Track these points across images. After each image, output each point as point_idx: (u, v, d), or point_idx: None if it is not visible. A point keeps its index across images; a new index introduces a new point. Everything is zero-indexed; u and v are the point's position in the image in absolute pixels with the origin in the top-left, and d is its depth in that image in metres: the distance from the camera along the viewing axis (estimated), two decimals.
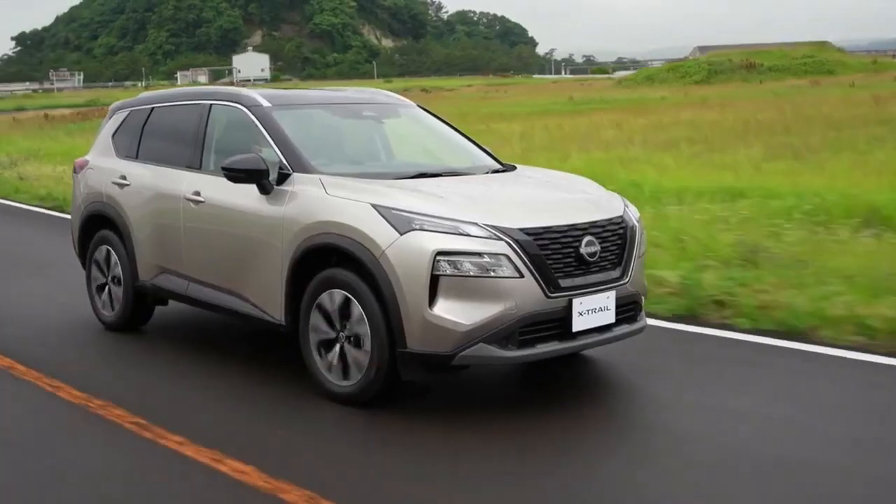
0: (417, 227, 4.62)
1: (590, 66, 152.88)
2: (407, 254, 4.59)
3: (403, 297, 4.58)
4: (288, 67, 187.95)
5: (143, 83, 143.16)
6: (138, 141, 6.64)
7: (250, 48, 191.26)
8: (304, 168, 5.27)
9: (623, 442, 4.52)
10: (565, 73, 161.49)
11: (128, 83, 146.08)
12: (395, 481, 4.03)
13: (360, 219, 4.77)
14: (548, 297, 4.65)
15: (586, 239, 4.81)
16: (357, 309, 4.78)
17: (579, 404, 4.98)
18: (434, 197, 4.87)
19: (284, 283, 5.16)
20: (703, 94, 39.17)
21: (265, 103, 5.73)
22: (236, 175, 5.31)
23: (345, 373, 4.90)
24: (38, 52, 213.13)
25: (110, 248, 6.64)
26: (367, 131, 6.30)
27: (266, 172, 5.27)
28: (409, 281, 4.57)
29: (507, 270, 4.57)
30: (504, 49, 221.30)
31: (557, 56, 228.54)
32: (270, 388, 5.28)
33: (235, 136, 5.88)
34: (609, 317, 4.92)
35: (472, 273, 4.54)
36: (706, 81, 56.21)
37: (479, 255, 4.55)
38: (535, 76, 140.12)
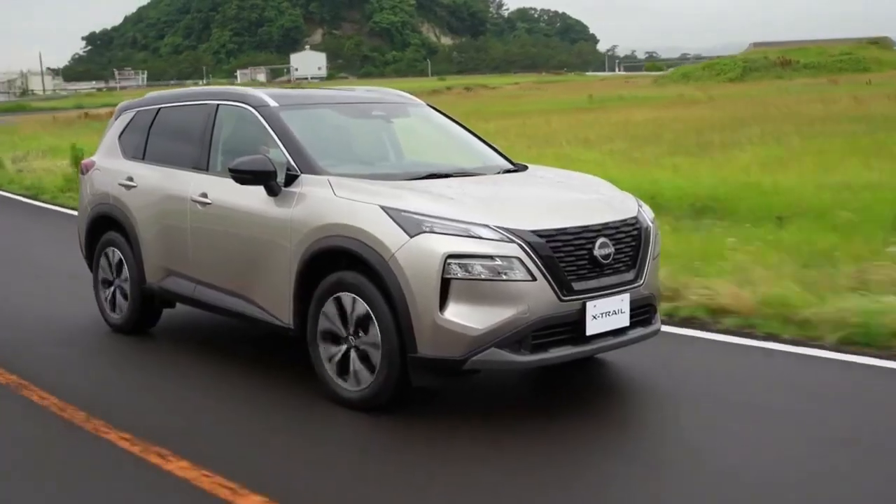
0: (427, 229, 4.53)
1: (644, 63, 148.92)
2: (417, 257, 4.50)
3: (414, 301, 4.49)
4: (347, 65, 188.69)
5: (203, 81, 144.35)
6: (145, 142, 6.57)
7: (308, 47, 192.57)
8: (313, 169, 5.18)
9: (638, 450, 4.41)
10: (619, 70, 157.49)
11: (189, 82, 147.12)
12: (397, 489, 3.94)
13: (368, 221, 4.68)
14: (561, 300, 4.55)
15: (600, 241, 4.72)
16: (367, 313, 4.69)
17: (593, 409, 4.89)
18: (444, 198, 4.78)
19: (292, 287, 5.08)
20: (718, 92, 38.89)
21: (272, 103, 5.65)
22: (244, 177, 5.23)
23: (354, 377, 4.82)
24: (108, 52, 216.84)
25: (117, 251, 6.57)
26: (376, 131, 6.20)
27: (274, 174, 5.18)
28: (419, 285, 4.48)
29: (520, 273, 4.47)
30: (564, 46, 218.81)
31: (620, 52, 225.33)
32: (274, 392, 5.20)
33: (243, 136, 5.80)
34: (623, 320, 4.83)
35: (483, 276, 4.45)
36: (740, 79, 55.24)
37: (491, 257, 4.45)
38: (588, 73, 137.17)
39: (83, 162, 7.25)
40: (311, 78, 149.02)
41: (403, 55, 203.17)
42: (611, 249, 4.75)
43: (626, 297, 4.81)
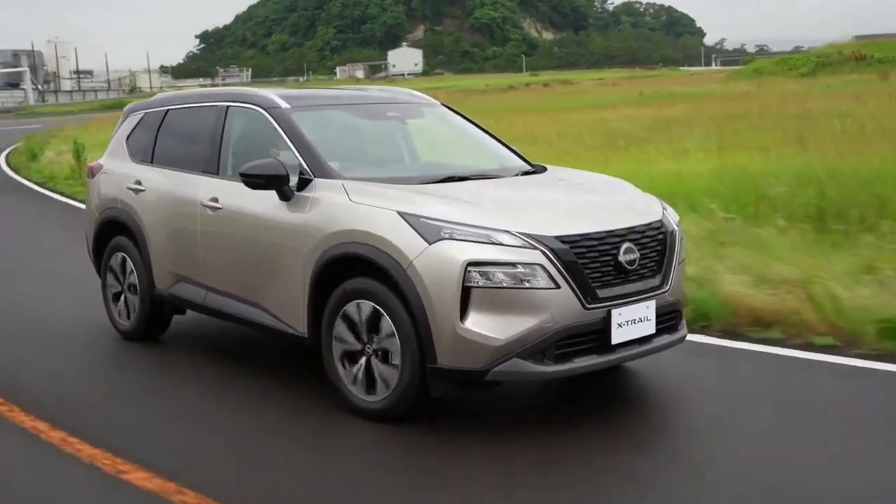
0: (447, 235, 4.37)
1: (743, 58, 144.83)
2: (436, 265, 4.34)
3: (433, 310, 4.34)
4: (447, 61, 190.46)
5: (304, 78, 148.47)
6: (153, 144, 6.42)
7: (404, 44, 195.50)
8: (326, 173, 5.02)
9: (669, 466, 4.26)
10: (715, 65, 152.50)
11: (290, 78, 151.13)
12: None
13: (385, 227, 4.53)
14: (585, 308, 4.39)
15: (625, 246, 4.55)
16: (385, 321, 4.54)
17: (617, 422, 4.72)
18: (463, 203, 4.62)
19: (307, 294, 4.93)
20: (774, 88, 38.05)
21: (283, 105, 5.49)
22: (255, 181, 5.08)
23: (371, 387, 4.67)
24: (219, 50, 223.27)
25: (126, 256, 6.43)
26: (390, 133, 6.04)
27: (286, 178, 5.03)
28: (438, 293, 4.32)
29: (543, 281, 4.31)
30: (668, 41, 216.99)
31: (728, 46, 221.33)
32: (289, 403, 5.06)
33: (254, 139, 5.66)
34: (649, 327, 4.67)
35: (505, 284, 4.29)
36: (811, 75, 53.26)
37: (513, 265, 4.30)
38: (682, 68, 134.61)
39: (90, 165, 7.11)
40: (408, 74, 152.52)
41: (503, 51, 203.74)
42: (636, 255, 4.59)
43: (651, 304, 4.65)
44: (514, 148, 6.04)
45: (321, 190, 4.95)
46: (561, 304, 4.34)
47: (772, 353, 5.70)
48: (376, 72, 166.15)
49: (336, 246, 4.75)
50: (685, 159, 12.99)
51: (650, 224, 4.77)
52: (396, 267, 4.45)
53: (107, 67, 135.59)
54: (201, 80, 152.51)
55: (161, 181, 6.13)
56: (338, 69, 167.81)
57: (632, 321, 4.56)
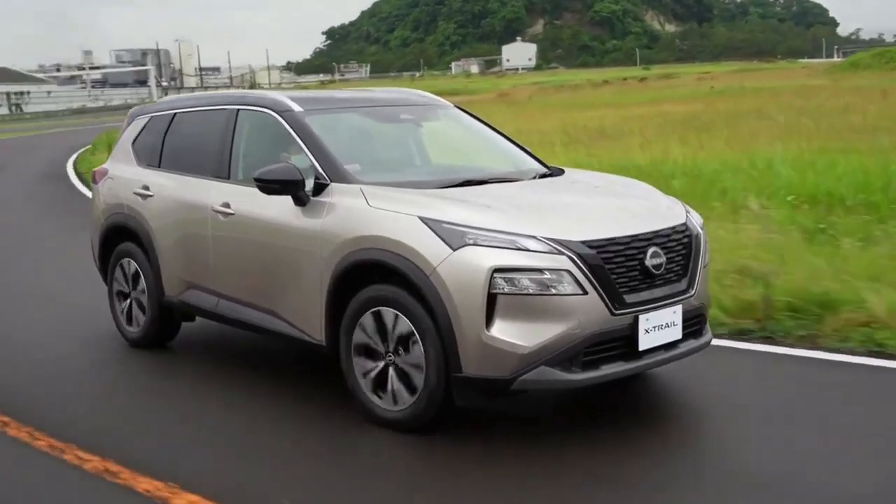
0: (471, 241, 4.27)
1: (878, 47, 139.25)
2: (461, 271, 4.24)
3: (458, 317, 4.24)
4: (565, 55, 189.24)
5: (419, 74, 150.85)
6: (160, 149, 6.31)
7: (518, 39, 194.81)
8: (343, 178, 4.92)
9: (692, 477, 4.18)
10: (837, 56, 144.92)
11: (406, 74, 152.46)
12: None
13: (407, 233, 4.42)
14: (613, 314, 4.30)
15: (651, 250, 4.47)
16: (408, 329, 4.44)
17: (640, 431, 4.64)
18: (486, 207, 4.52)
19: (324, 301, 4.83)
20: (850, 83, 38.07)
21: (297, 108, 5.38)
22: (270, 186, 4.97)
23: (393, 397, 4.57)
24: (344, 46, 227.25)
25: (133, 262, 6.31)
26: (405, 136, 5.93)
27: (302, 183, 4.93)
28: (463, 300, 4.23)
29: (570, 287, 4.22)
30: (798, 31, 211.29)
31: (865, 35, 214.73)
32: (306, 413, 4.96)
33: (266, 143, 5.55)
34: (676, 333, 4.58)
35: (531, 291, 4.19)
36: None
37: (540, 271, 4.20)
38: (801, 61, 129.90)
39: (94, 170, 6.98)
40: (521, 69, 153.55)
41: (623, 44, 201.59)
42: (662, 259, 4.50)
43: (678, 309, 4.56)
44: (528, 150, 5.95)
45: (338, 195, 4.85)
46: (588, 310, 4.25)
47: None
48: (491, 66, 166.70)
49: (355, 252, 4.64)
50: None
51: (675, 227, 4.69)
52: (419, 273, 4.35)
53: (229, 64, 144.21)
54: (321, 75, 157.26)
55: (169, 186, 6.02)
56: (452, 64, 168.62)
57: (659, 326, 4.48)
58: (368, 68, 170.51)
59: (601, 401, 4.99)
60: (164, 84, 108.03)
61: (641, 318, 4.39)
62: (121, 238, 6.46)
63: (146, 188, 6.18)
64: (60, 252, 10.55)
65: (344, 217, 4.75)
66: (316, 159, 5.03)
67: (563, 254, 4.24)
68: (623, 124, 21.95)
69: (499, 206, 4.57)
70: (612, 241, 4.37)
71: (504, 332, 4.20)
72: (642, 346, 4.42)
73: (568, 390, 4.81)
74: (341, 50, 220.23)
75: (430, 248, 4.33)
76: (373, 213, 4.63)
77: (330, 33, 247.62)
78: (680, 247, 4.67)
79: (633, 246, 4.44)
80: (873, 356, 5.55)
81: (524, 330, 4.20)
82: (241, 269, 5.43)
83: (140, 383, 5.75)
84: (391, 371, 4.57)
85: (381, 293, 4.57)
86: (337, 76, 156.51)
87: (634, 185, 5.35)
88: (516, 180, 5.28)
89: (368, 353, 4.65)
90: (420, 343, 4.40)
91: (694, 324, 4.76)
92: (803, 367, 5.50)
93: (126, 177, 6.45)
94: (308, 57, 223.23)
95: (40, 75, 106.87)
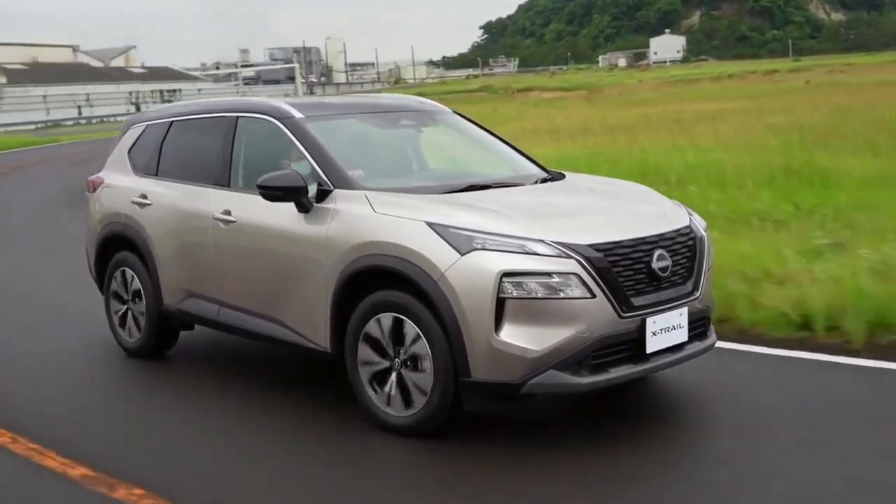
0: (479, 246, 4.28)
1: None
2: (469, 276, 4.25)
3: (466, 322, 4.24)
4: (722, 46, 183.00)
5: (566, 67, 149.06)
6: (158, 157, 6.27)
7: (667, 31, 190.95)
8: (347, 184, 4.91)
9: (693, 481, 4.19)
10: None
11: (553, 68, 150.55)
12: None
13: (415, 239, 4.42)
14: (620, 317, 4.32)
15: (657, 253, 4.49)
16: (415, 335, 4.43)
17: (643, 436, 4.65)
18: (492, 212, 4.53)
19: (329, 308, 4.81)
20: None
21: (298, 114, 5.38)
22: (273, 193, 4.95)
23: (402, 403, 4.56)
24: (500, 39, 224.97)
25: (131, 271, 6.27)
26: (406, 141, 5.93)
27: (305, 189, 4.92)
28: (472, 305, 4.23)
29: (578, 290, 4.23)
30: None
31: None
32: (311, 420, 4.94)
33: (267, 150, 5.53)
34: (682, 335, 4.60)
35: (540, 294, 4.20)
36: None
37: (548, 274, 4.21)
38: None
39: (90, 179, 6.93)
40: (669, 62, 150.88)
41: (783, 34, 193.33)
42: (668, 262, 4.52)
43: (684, 311, 4.59)
44: (529, 155, 5.96)
45: (343, 201, 4.84)
46: (597, 313, 4.26)
47: None
48: (640, 59, 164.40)
49: (361, 258, 4.64)
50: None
51: (679, 230, 4.71)
52: (427, 279, 4.35)
53: (376, 60, 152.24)
54: (470, 70, 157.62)
55: (168, 194, 5.99)
56: (600, 58, 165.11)
57: (666, 329, 4.50)
58: (516, 62, 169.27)
59: (605, 403, 5.00)
60: (314, 80, 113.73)
61: (649, 320, 4.41)
62: (118, 247, 6.41)
63: (144, 197, 6.15)
64: None
65: (349, 223, 4.75)
66: (319, 166, 5.02)
67: (571, 257, 4.25)
68: (632, 121, 22.59)
69: (505, 210, 4.58)
70: (618, 245, 4.38)
71: (513, 336, 4.20)
72: (650, 349, 4.44)
73: (576, 394, 4.80)
74: (497, 44, 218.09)
75: (438, 254, 4.33)
76: (379, 218, 4.63)
77: (487, 27, 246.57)
78: (685, 249, 4.69)
79: (640, 249, 4.45)
80: None
81: (533, 334, 4.20)
82: (243, 277, 5.41)
83: (139, 392, 5.71)
84: (398, 377, 4.56)
85: (388, 299, 4.56)
86: (485, 70, 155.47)
87: (635, 189, 5.37)
88: (519, 185, 5.29)
89: (375, 360, 4.64)
90: (428, 348, 4.39)
91: (699, 326, 4.79)
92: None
93: (123, 186, 6.41)
94: (465, 51, 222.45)
95: (198, 73, 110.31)
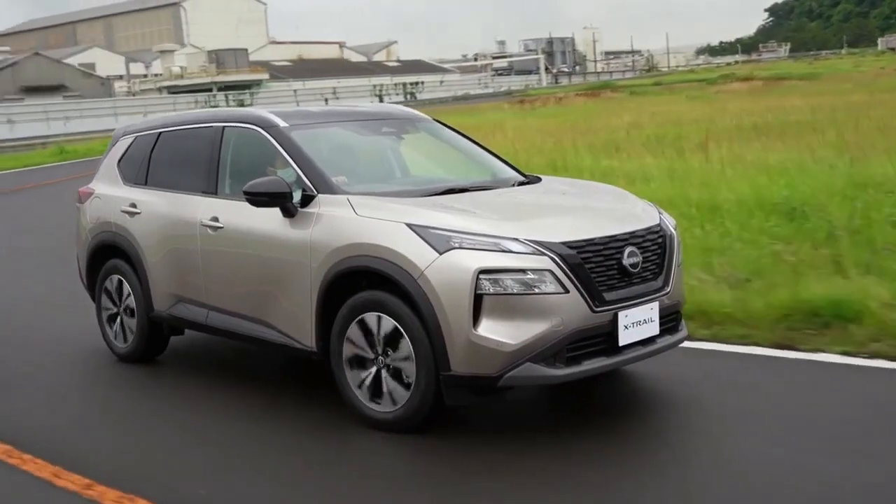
0: (457, 245, 4.47)
1: None
2: (447, 274, 4.44)
3: (446, 318, 4.43)
4: None
5: (843, 51, 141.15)
6: (147, 167, 6.45)
7: None
8: (330, 189, 5.10)
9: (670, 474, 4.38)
10: None
11: (825, 53, 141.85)
12: None
13: (395, 239, 4.61)
14: (593, 311, 4.51)
15: (628, 250, 4.69)
16: (397, 332, 4.62)
17: (620, 430, 4.83)
18: (469, 213, 4.73)
19: (314, 309, 5.00)
20: None
21: (282, 123, 5.56)
22: (259, 199, 5.14)
23: (387, 398, 4.74)
24: (786, 22, 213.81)
25: (121, 278, 6.44)
26: (387, 147, 6.13)
27: (290, 195, 5.10)
28: (451, 302, 4.42)
29: (552, 286, 4.43)
30: None
31: None
32: (300, 418, 5.11)
33: (252, 158, 5.72)
34: (653, 328, 4.80)
35: (516, 290, 4.39)
36: None
37: (523, 271, 4.41)
38: None
39: (80, 190, 7.10)
40: None
41: None
42: (639, 258, 4.72)
43: (655, 306, 4.79)
44: (506, 160, 6.17)
45: (326, 206, 5.03)
46: (570, 307, 4.45)
47: None
48: None
49: (344, 259, 4.82)
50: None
51: (650, 228, 4.92)
52: (407, 277, 4.53)
53: (631, 48, 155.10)
54: (737, 56, 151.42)
55: (157, 203, 6.16)
56: (879, 41, 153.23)
57: (637, 323, 4.69)
58: (788, 47, 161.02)
59: (576, 398, 5.20)
60: (565, 69, 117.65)
61: (620, 314, 4.60)
62: (108, 255, 6.58)
63: (133, 206, 6.32)
64: None
65: (332, 226, 4.93)
66: (303, 172, 5.21)
67: (544, 254, 4.44)
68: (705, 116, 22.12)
69: (481, 211, 4.78)
70: (590, 242, 4.58)
71: (491, 330, 4.39)
72: (622, 342, 4.63)
73: (551, 386, 4.99)
74: (782, 27, 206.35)
75: (417, 253, 4.52)
76: (361, 221, 4.82)
77: (773, 10, 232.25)
78: (655, 247, 4.89)
79: (611, 246, 4.65)
80: None
81: (510, 328, 4.39)
82: (231, 281, 5.59)
83: (130, 397, 5.87)
84: (382, 373, 4.74)
85: (371, 298, 4.75)
86: (753, 56, 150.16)
87: (608, 190, 5.58)
88: (496, 188, 5.49)
89: (359, 357, 4.82)
90: (410, 344, 4.57)
91: (670, 320, 4.98)
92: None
93: (113, 195, 6.58)
94: (751, 34, 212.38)
95: (449, 66, 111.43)
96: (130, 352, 6.46)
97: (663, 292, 4.86)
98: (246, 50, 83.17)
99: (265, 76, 79.62)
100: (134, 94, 73.22)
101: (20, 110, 52.02)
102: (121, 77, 78.45)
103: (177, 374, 6.27)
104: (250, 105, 62.00)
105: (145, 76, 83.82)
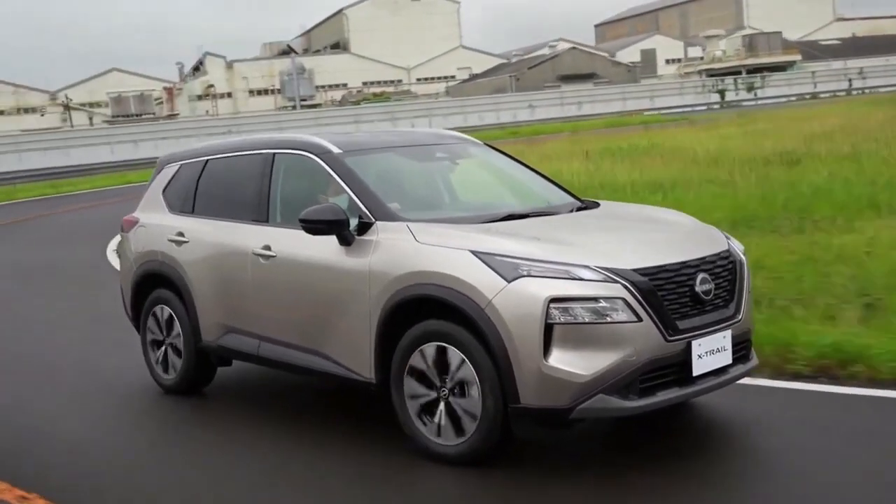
0: (525, 272, 4.34)
1: None
2: (516, 303, 4.30)
3: (515, 348, 4.29)
4: None
5: None
6: (193, 195, 6.36)
7: None
8: (388, 216, 4.99)
9: None
10: None
11: None
12: None
13: (460, 267, 4.48)
14: (667, 340, 4.36)
15: (700, 276, 4.54)
16: (463, 363, 4.48)
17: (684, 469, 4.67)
18: (535, 240, 4.59)
19: (373, 339, 4.86)
20: None
21: (335, 150, 5.47)
22: (316, 226, 5.03)
23: (451, 431, 4.58)
24: None
25: (168, 309, 6.33)
26: (442, 174, 6.00)
27: (347, 223, 4.99)
28: (520, 331, 4.28)
29: (625, 315, 4.28)
30: None
31: None
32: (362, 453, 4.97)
33: (305, 185, 5.63)
34: (726, 357, 4.65)
35: (587, 319, 4.25)
36: None
37: (595, 299, 4.26)
38: None
39: (124, 219, 7.02)
40: None
41: None
42: (711, 285, 4.58)
43: (728, 334, 4.63)
44: (562, 185, 6.04)
45: (385, 233, 4.91)
46: (643, 337, 4.30)
47: None
48: None
49: (406, 288, 4.69)
50: None
51: (719, 254, 4.77)
52: (474, 307, 4.40)
53: None
54: None
55: (206, 231, 6.06)
56: None
57: (711, 352, 4.54)
58: None
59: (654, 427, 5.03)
60: None
61: (694, 343, 4.45)
62: (154, 285, 6.48)
63: (181, 234, 6.22)
64: None
65: (392, 254, 4.81)
66: (359, 199, 5.10)
67: (616, 282, 4.30)
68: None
69: (546, 237, 4.64)
70: (662, 269, 4.44)
71: (562, 361, 4.24)
72: (696, 372, 4.48)
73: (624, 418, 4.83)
74: None
75: (483, 281, 4.39)
76: (422, 248, 4.69)
77: None
78: (726, 273, 4.75)
79: (683, 273, 4.51)
80: None
81: (582, 358, 4.24)
82: (284, 311, 5.46)
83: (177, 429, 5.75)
84: (446, 406, 4.60)
85: (434, 328, 4.61)
86: None
87: (672, 214, 5.43)
88: (556, 213, 5.36)
89: (422, 389, 4.68)
90: (476, 375, 4.43)
91: (741, 348, 4.82)
92: None
93: (159, 224, 6.49)
94: None
95: None
96: (177, 383, 6.34)
97: (735, 320, 4.70)
98: (780, 33, 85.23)
99: (797, 57, 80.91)
100: (682, 76, 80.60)
101: (541, 97, 61.04)
102: (678, 61, 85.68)
103: (222, 405, 6.14)
104: (759, 88, 64.04)
105: (701, 59, 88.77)
